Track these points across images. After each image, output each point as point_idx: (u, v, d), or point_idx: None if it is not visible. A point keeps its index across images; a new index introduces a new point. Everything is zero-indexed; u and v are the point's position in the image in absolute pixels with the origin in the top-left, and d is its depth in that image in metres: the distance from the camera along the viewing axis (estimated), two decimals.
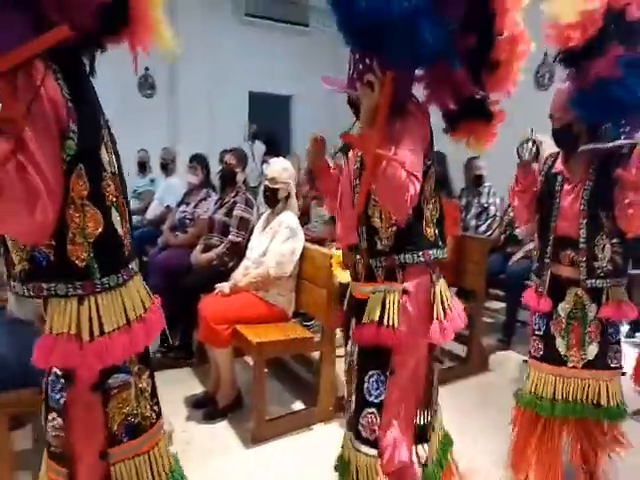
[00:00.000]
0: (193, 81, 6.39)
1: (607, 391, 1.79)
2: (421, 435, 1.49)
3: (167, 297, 3.00)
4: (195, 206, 3.51)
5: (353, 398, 1.40)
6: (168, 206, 4.15)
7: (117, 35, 1.11)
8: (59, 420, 1.07)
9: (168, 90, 6.52)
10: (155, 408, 1.20)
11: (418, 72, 1.38)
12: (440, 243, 1.41)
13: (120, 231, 1.10)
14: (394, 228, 1.35)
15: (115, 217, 1.09)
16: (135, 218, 4.60)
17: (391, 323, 1.33)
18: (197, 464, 2.02)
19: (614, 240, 1.72)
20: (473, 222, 3.90)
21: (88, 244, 1.04)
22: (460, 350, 3.10)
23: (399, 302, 1.34)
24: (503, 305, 3.70)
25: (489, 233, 3.83)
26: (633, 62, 1.50)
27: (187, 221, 3.50)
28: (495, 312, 3.95)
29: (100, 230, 1.05)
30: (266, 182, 2.64)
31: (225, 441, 2.26)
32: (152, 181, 4.82)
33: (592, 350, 1.80)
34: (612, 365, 1.82)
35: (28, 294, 1.05)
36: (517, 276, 3.34)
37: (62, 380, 1.06)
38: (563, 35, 1.57)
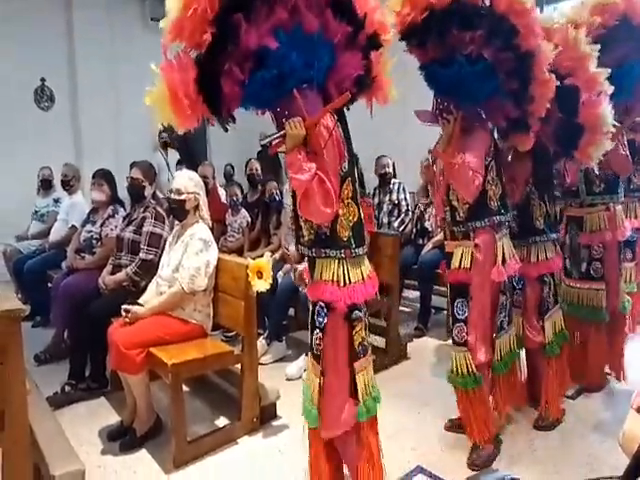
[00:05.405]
0: (96, 91, 6.03)
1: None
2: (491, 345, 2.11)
3: (75, 325, 2.93)
4: (102, 225, 3.30)
5: (450, 319, 2.13)
6: (73, 226, 3.89)
7: (367, 93, 1.75)
8: (320, 334, 1.67)
9: (69, 101, 6.10)
10: (369, 339, 1.76)
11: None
12: (502, 210, 2.05)
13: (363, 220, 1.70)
14: (467, 205, 2.01)
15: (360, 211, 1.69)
16: (37, 242, 4.30)
17: (466, 266, 2.01)
18: None
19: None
20: (386, 219, 4.04)
21: (349, 227, 1.64)
22: (379, 342, 3.21)
23: (472, 253, 2.00)
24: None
25: (402, 228, 3.99)
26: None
27: (94, 241, 3.30)
28: (413, 301, 4.14)
29: (356, 219, 1.65)
30: (171, 194, 2.57)
31: (146, 470, 2.18)
32: (56, 201, 4.47)
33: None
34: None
35: (311, 255, 1.69)
36: (428, 266, 3.54)
37: (325, 310, 1.65)
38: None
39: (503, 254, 2.03)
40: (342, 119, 1.68)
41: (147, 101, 1.46)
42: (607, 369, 2.76)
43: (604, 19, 2.34)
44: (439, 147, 2.08)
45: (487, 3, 1.85)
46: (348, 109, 1.73)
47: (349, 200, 1.65)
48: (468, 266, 2.01)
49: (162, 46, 1.48)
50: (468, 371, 2.03)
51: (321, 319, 1.66)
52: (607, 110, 2.16)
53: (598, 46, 2.15)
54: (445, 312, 3.48)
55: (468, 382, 2.04)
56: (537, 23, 1.90)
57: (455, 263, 2.06)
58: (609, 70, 2.14)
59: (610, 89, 2.16)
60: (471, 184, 1.93)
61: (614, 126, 2.20)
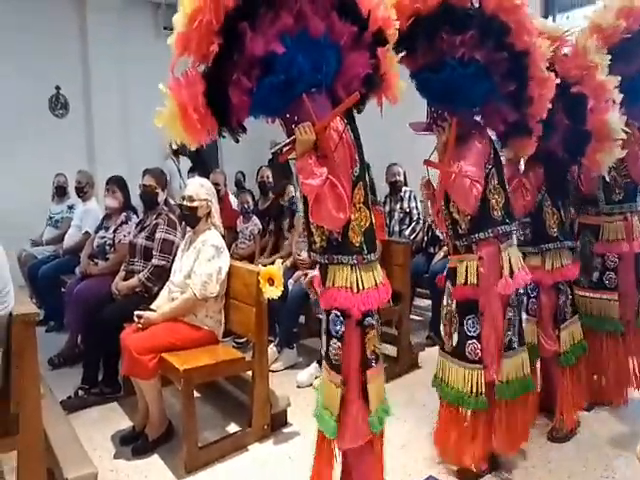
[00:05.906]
0: (109, 98, 6.12)
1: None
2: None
3: (88, 330, 2.96)
4: (115, 231, 3.35)
5: (454, 336, 1.99)
6: (87, 232, 3.94)
7: (377, 93, 1.69)
8: (339, 344, 1.62)
9: (82, 109, 6.20)
10: (380, 348, 1.73)
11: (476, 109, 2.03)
12: (507, 220, 1.96)
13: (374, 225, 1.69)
14: (468, 217, 1.93)
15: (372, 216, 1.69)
16: (51, 247, 4.36)
17: (473, 282, 1.91)
18: None
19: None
20: (397, 227, 4.04)
21: (361, 232, 1.61)
22: (391, 351, 3.19)
23: (476, 267, 1.91)
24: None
25: (413, 236, 3.99)
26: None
27: (107, 247, 3.34)
28: (424, 310, 4.11)
29: (367, 224, 1.63)
30: (183, 201, 2.59)
31: (157, 475, 2.18)
32: (70, 207, 4.53)
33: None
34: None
35: (323, 261, 1.66)
36: (439, 274, 3.51)
37: (341, 318, 1.62)
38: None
39: (510, 265, 1.93)
40: (352, 123, 1.66)
41: (157, 122, 1.45)
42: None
43: (629, 23, 2.28)
44: (435, 157, 2.00)
45: (476, 4, 1.79)
46: (359, 112, 1.70)
47: (361, 205, 1.61)
48: (475, 282, 1.91)
49: (170, 65, 1.47)
50: (478, 391, 1.91)
51: (338, 327, 1.62)
52: (615, 117, 2.11)
53: (609, 56, 2.12)
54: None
55: (480, 403, 1.92)
56: (529, 20, 1.82)
57: (460, 279, 1.95)
58: (619, 78, 2.11)
59: (619, 97, 2.12)
60: (470, 194, 1.84)
61: (633, 132, 2.17)
